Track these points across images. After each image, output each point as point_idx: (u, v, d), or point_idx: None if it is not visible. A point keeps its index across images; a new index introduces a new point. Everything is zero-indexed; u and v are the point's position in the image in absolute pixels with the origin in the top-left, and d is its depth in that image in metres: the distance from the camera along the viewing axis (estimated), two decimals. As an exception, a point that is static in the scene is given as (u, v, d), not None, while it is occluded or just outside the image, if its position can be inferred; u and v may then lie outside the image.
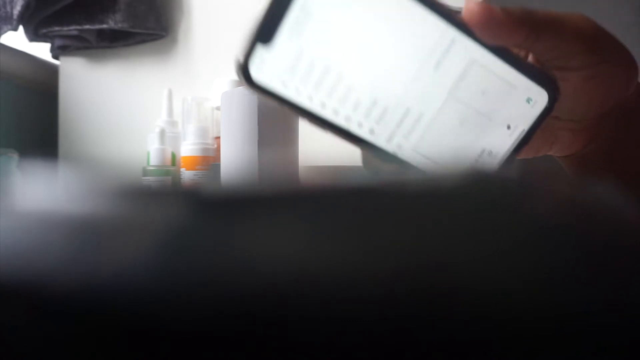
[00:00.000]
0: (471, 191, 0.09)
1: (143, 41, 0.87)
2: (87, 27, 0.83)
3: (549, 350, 0.07)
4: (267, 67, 0.22)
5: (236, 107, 0.35)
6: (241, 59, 0.22)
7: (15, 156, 0.63)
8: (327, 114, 0.24)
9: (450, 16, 0.24)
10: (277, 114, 0.36)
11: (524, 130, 0.26)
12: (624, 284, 0.08)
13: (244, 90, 0.35)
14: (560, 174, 0.25)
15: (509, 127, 0.26)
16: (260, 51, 0.22)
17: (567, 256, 0.08)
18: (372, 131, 0.25)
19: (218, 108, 0.75)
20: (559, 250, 0.08)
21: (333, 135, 0.25)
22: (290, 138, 0.37)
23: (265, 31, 0.21)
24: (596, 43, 0.25)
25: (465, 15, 0.24)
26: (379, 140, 0.25)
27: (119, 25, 0.82)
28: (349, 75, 0.23)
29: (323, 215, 0.09)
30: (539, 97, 0.26)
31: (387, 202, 0.09)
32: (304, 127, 0.41)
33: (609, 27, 0.26)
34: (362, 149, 0.25)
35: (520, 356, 0.07)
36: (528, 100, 0.26)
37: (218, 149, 0.61)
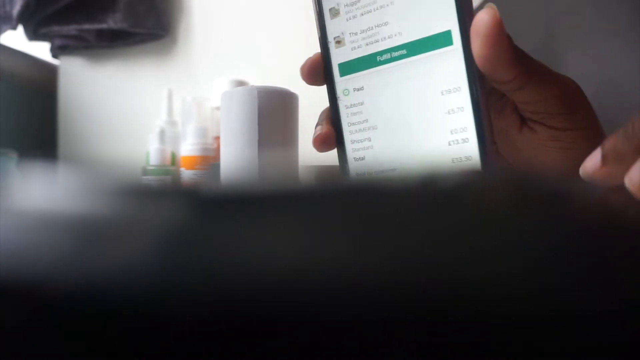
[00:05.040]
0: (469, 191, 0.09)
1: (143, 41, 0.87)
2: (86, 26, 0.83)
3: (550, 349, 0.07)
4: None
5: (236, 107, 0.35)
6: None
7: (15, 156, 0.63)
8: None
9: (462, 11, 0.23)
10: (277, 114, 0.36)
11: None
12: (625, 281, 0.08)
13: (244, 90, 0.35)
14: (557, 173, 0.25)
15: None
16: None
17: (566, 253, 0.08)
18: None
19: (218, 108, 0.75)
20: (558, 247, 0.08)
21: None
22: (290, 138, 0.37)
23: None
24: (576, 111, 0.25)
25: (475, 21, 0.23)
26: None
27: (119, 25, 0.82)
28: None
29: (322, 214, 0.09)
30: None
31: (387, 202, 0.09)
32: (304, 127, 0.41)
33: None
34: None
35: (519, 355, 0.07)
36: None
37: (218, 149, 0.61)
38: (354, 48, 0.28)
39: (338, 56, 0.28)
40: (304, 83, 0.30)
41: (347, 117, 0.29)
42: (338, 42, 0.28)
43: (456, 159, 0.25)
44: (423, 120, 0.26)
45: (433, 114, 0.25)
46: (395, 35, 0.26)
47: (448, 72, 0.25)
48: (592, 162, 0.19)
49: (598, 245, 0.08)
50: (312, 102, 0.52)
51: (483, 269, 0.08)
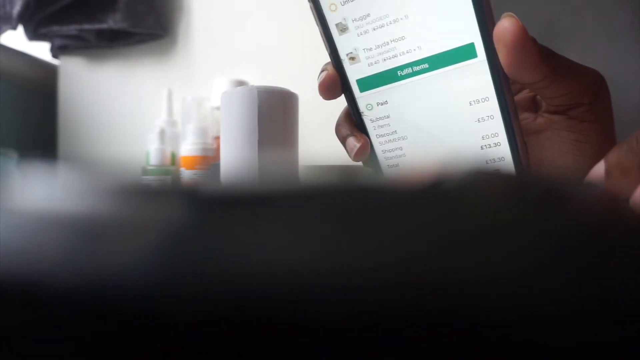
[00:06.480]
0: (472, 190, 0.09)
1: (143, 41, 0.87)
2: (86, 26, 0.83)
3: (550, 347, 0.07)
4: None
5: (236, 107, 0.35)
6: None
7: (15, 156, 0.63)
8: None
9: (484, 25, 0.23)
10: (277, 114, 0.36)
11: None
12: (624, 280, 0.08)
13: (244, 90, 0.35)
14: (565, 168, 0.25)
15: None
16: None
17: (565, 252, 0.08)
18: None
19: (218, 108, 0.75)
20: (557, 246, 0.08)
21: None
22: (290, 138, 0.37)
23: None
24: (597, 102, 0.25)
25: (497, 31, 0.22)
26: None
27: (119, 25, 0.82)
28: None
29: (323, 214, 0.09)
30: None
31: (387, 201, 0.09)
32: (304, 127, 0.41)
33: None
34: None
35: (519, 353, 0.07)
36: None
37: (218, 149, 0.61)
38: (371, 64, 0.27)
39: (355, 72, 0.28)
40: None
41: (375, 129, 0.29)
42: (352, 58, 0.27)
43: (490, 160, 0.26)
44: (453, 129, 0.26)
45: (463, 123, 0.26)
46: (415, 49, 0.25)
47: (475, 83, 0.24)
48: (596, 175, 0.19)
49: (597, 244, 0.08)
50: (312, 102, 0.52)
51: (483, 268, 0.08)
